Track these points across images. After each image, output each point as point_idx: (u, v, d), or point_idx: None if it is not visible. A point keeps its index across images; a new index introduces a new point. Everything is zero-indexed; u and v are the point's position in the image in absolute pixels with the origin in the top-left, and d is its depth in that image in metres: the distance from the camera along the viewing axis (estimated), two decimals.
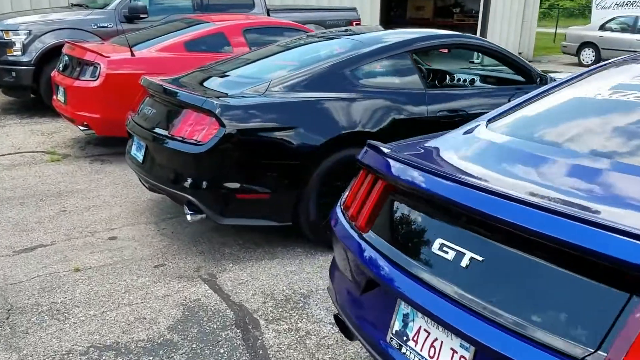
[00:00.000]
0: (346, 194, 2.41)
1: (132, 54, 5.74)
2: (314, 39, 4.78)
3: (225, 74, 4.26)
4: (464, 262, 1.68)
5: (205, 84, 4.09)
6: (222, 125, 3.45)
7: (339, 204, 2.45)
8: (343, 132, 3.72)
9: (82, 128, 5.88)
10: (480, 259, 1.65)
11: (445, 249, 1.76)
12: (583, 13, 19.07)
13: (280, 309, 3.19)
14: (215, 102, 3.48)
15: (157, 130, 3.83)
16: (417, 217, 1.97)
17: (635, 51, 14.53)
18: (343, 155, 3.73)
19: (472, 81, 5.30)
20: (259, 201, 3.64)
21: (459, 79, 5.43)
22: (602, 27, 16.20)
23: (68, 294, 3.31)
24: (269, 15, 8.79)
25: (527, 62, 4.62)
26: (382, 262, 1.96)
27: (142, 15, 7.86)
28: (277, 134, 3.58)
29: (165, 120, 3.87)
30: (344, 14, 10.01)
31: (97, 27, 7.75)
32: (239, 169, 3.55)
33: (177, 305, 3.22)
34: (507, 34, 16.62)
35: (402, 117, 3.96)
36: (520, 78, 4.75)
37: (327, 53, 4.20)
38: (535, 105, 2.51)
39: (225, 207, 3.60)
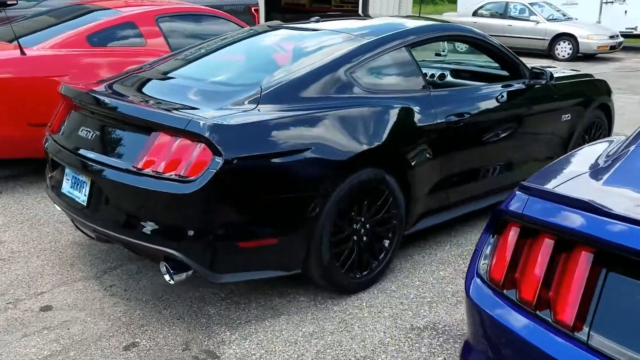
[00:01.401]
0: (501, 273, 1.65)
1: (23, 52, 4.45)
2: (284, 30, 3.91)
3: (184, 78, 3.28)
4: None
5: (161, 93, 3.10)
6: (218, 153, 2.54)
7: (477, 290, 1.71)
8: (360, 150, 2.97)
9: None
10: None
11: None
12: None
13: None
14: (205, 122, 2.56)
15: (109, 161, 2.80)
16: None
17: (509, 36, 15.12)
18: (357, 180, 2.98)
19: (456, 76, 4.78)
20: (266, 248, 2.78)
21: (442, 76, 4.87)
22: (474, 14, 16.68)
23: None
24: None
25: (516, 55, 4.17)
26: None
27: (9, 2, 6.34)
28: (287, 160, 2.74)
29: (120, 146, 2.85)
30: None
31: None
32: (241, 209, 2.67)
33: None
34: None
35: (414, 125, 3.29)
36: (505, 73, 4.29)
37: (314, 50, 3.38)
38: None
39: (222, 261, 2.70)
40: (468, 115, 3.57)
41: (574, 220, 1.46)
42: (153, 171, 2.62)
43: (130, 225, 2.72)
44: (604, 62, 14.29)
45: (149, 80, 3.39)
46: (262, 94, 2.88)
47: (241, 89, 2.97)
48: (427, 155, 3.35)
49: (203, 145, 2.57)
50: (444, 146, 3.45)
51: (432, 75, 4.84)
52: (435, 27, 3.81)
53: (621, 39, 15.22)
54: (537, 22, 15.18)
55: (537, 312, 1.51)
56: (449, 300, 3.13)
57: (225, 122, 2.61)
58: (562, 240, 1.51)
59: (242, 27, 5.92)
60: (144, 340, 2.76)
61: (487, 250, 1.72)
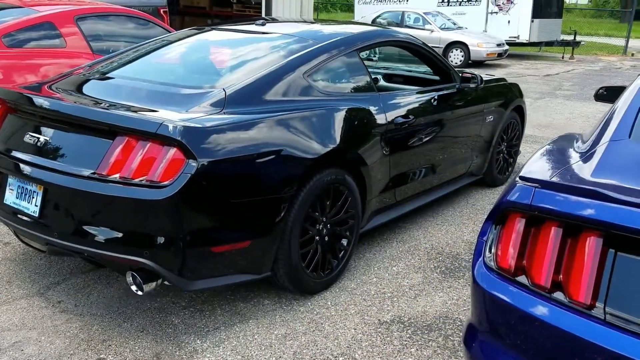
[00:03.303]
0: (511, 260, 1.75)
1: None
2: (232, 33, 3.84)
3: (135, 80, 3.14)
4: None
5: (114, 95, 2.95)
6: (192, 157, 2.48)
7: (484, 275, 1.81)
8: (325, 151, 3.00)
9: None
10: None
11: None
12: (350, 7, 20.19)
13: None
14: (177, 125, 2.48)
15: (66, 168, 2.63)
16: None
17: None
18: (321, 181, 3.01)
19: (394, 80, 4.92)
20: (238, 252, 2.73)
21: (375, 80, 4.99)
22: (373, 22, 17.25)
23: None
24: None
25: (447, 61, 4.39)
26: None
27: None
28: (258, 162, 2.72)
29: (77, 152, 2.69)
30: (151, 0, 8.80)
31: None
32: (214, 213, 2.60)
33: None
34: None
35: (369, 126, 3.38)
36: (436, 77, 4.50)
37: (269, 53, 3.36)
38: None
39: (195, 267, 2.62)
40: (412, 116, 3.71)
41: (584, 207, 1.59)
42: (120, 177, 2.50)
43: (92, 235, 2.57)
44: (493, 68, 15.30)
45: (96, 82, 3.22)
46: (227, 96, 2.84)
47: (202, 92, 2.90)
48: (380, 155, 3.45)
49: (175, 149, 2.49)
50: (393, 146, 3.57)
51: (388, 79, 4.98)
52: (381, 33, 3.93)
53: (507, 47, 16.38)
54: (432, 31, 15.97)
55: (552, 295, 1.62)
56: (407, 294, 3.24)
57: (198, 125, 2.54)
58: (569, 226, 1.63)
59: (164, 28, 5.76)
60: (110, 356, 2.61)
61: (491, 240, 1.82)
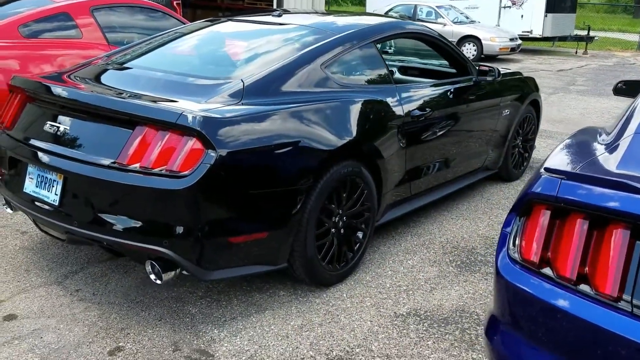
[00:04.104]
0: (534, 253, 1.74)
1: None
2: (249, 24, 3.84)
3: (154, 70, 3.15)
4: None
5: (133, 85, 2.96)
6: (211, 147, 2.48)
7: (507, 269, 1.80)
8: (342, 143, 3.00)
9: None
10: None
11: None
12: (362, 0, 20.17)
13: None
14: (197, 115, 2.48)
15: (86, 157, 2.64)
16: None
17: None
18: (338, 173, 3.01)
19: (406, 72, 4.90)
20: (255, 243, 2.74)
21: (390, 72, 4.98)
22: (385, 15, 17.18)
23: None
24: None
25: (464, 54, 4.36)
26: None
27: None
28: (276, 153, 2.72)
29: (98, 141, 2.70)
30: None
31: None
32: (232, 203, 2.61)
33: None
34: None
35: (386, 118, 3.37)
36: (451, 70, 4.48)
37: (286, 44, 3.36)
38: None
39: (213, 258, 2.63)
40: (429, 109, 3.70)
41: (611, 199, 1.58)
42: (140, 167, 2.51)
43: (112, 224, 2.58)
44: (506, 63, 15.21)
45: (115, 72, 3.24)
46: (245, 87, 2.84)
47: (220, 82, 2.90)
48: (396, 148, 3.44)
49: (194, 139, 2.49)
50: (409, 139, 3.56)
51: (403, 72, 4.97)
52: (398, 24, 3.91)
53: (520, 41, 16.28)
54: (444, 25, 15.89)
55: (578, 287, 1.62)
56: (423, 287, 3.23)
57: (217, 116, 2.54)
58: (596, 218, 1.62)
59: (179, 20, 5.77)
60: (128, 344, 2.63)
61: (515, 232, 1.81)
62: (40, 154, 2.79)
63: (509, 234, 1.83)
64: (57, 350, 2.57)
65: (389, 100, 3.43)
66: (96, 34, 5.02)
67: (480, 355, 2.63)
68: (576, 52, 18.55)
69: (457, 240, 3.88)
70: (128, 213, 2.57)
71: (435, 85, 3.99)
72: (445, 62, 4.59)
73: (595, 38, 18.74)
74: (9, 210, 3.25)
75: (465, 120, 4.15)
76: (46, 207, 2.77)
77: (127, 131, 2.60)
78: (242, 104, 2.75)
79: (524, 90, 5.02)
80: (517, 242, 1.80)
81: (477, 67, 4.36)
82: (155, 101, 2.66)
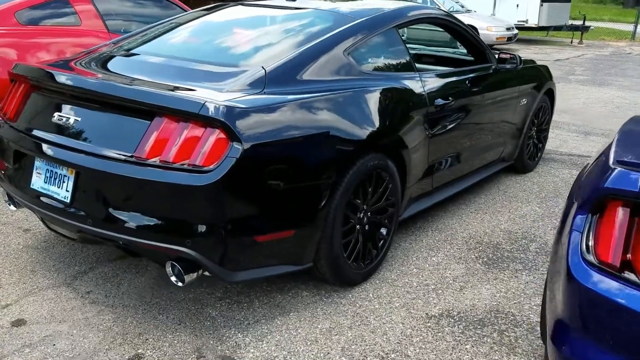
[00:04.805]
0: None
1: None
2: (262, 8, 3.63)
3: (166, 57, 2.96)
4: None
5: (146, 73, 2.76)
6: (237, 139, 2.30)
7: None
8: (368, 134, 2.83)
9: None
10: None
11: None
12: None
13: None
14: (221, 105, 2.30)
15: (101, 150, 2.45)
16: None
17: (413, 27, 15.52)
18: (365, 165, 2.84)
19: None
20: (281, 241, 2.57)
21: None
22: None
23: None
24: None
25: (483, 41, 4.20)
26: None
27: None
28: (303, 145, 2.55)
29: (112, 133, 2.50)
30: None
31: None
32: (259, 199, 2.43)
33: None
34: None
35: (410, 107, 3.21)
36: (468, 57, 4.32)
37: (305, 29, 3.17)
38: None
39: (238, 258, 2.45)
40: (452, 98, 3.54)
41: None
42: (161, 161, 2.33)
43: (130, 223, 2.39)
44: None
45: (126, 59, 3.04)
46: (267, 74, 2.65)
47: (239, 70, 2.72)
48: (420, 139, 3.28)
49: (218, 130, 2.31)
50: (432, 129, 3.40)
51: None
52: (419, 9, 3.73)
53: (516, 30, 16.13)
54: None
55: None
56: (452, 285, 3.08)
57: (243, 106, 2.36)
58: None
59: (181, 8, 5.55)
60: (148, 351, 2.46)
61: (587, 230, 1.66)
62: (48, 147, 2.60)
63: (580, 233, 1.68)
64: (71, 358, 2.40)
65: (414, 88, 3.27)
66: (96, 21, 4.80)
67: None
68: (571, 42, 18.47)
69: (480, 236, 3.73)
70: (147, 211, 2.38)
71: (457, 73, 3.82)
72: (458, 49, 4.43)
73: (591, 28, 18.66)
74: (12, 207, 3.06)
75: (485, 110, 4.00)
76: (56, 204, 2.58)
77: (144, 122, 2.41)
78: (265, 93, 2.56)
79: (541, 79, 4.87)
80: (590, 242, 1.64)
81: (497, 55, 4.20)
82: (173, 90, 2.47)
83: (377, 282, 3.09)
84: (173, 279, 2.46)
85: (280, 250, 2.59)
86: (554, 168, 5.33)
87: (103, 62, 2.98)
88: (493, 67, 4.16)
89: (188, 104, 2.32)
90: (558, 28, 18.30)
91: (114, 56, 3.07)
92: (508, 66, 4.20)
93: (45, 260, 3.18)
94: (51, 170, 2.62)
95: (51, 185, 2.61)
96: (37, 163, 2.68)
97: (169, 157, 2.32)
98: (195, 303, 2.83)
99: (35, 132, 2.70)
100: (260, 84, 2.61)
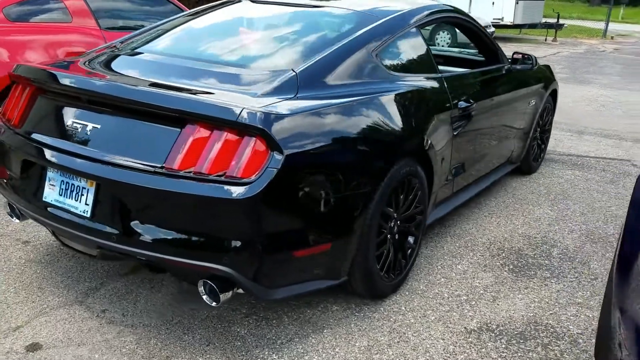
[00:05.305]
0: None
1: None
2: (279, 7, 3.44)
3: (185, 59, 2.76)
4: None
5: (167, 76, 2.57)
6: (276, 148, 2.13)
7: None
8: (401, 139, 2.71)
9: None
10: None
11: None
12: None
13: None
14: (260, 111, 2.13)
15: (126, 161, 2.25)
16: None
17: None
18: (398, 172, 2.71)
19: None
20: (319, 255, 2.42)
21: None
22: None
23: None
24: None
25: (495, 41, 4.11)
26: None
27: None
28: (343, 153, 2.41)
29: (139, 142, 2.30)
30: None
31: None
32: (299, 212, 2.27)
33: None
34: None
35: (437, 110, 3.09)
36: (481, 57, 4.22)
37: (330, 28, 3.02)
38: None
39: (276, 274, 2.29)
40: (472, 100, 3.43)
41: None
42: (195, 173, 2.15)
43: (161, 239, 2.21)
44: None
45: (141, 60, 2.83)
46: (299, 78, 2.49)
47: (266, 73, 2.55)
48: (445, 143, 3.16)
49: (255, 139, 2.14)
50: (455, 132, 3.28)
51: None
52: (440, 8, 3.60)
53: (493, 28, 16.21)
54: None
55: None
56: (484, 296, 2.97)
57: (283, 112, 2.20)
58: None
59: (175, 5, 5.32)
60: None
61: None
62: (63, 157, 2.38)
63: None
64: None
65: (440, 90, 3.15)
66: (87, 17, 4.54)
67: None
68: (545, 40, 18.68)
69: (499, 241, 3.64)
70: (180, 226, 2.20)
71: (476, 74, 3.72)
72: (463, 48, 4.33)
73: (565, 26, 18.91)
74: (15, 219, 2.83)
75: (501, 111, 3.91)
76: (74, 218, 2.37)
77: (173, 130, 2.22)
78: (298, 98, 2.40)
79: (547, 79, 4.82)
80: None
81: (513, 55, 4.12)
82: (203, 95, 2.29)
83: (407, 293, 2.97)
84: (206, 298, 2.28)
85: (317, 264, 2.44)
86: (555, 169, 5.28)
87: (117, 64, 2.78)
88: (506, 67, 4.07)
89: (225, 111, 2.14)
90: (533, 26, 18.50)
91: (127, 57, 2.87)
92: (519, 67, 4.12)
93: (51, 276, 2.96)
94: (67, 182, 2.41)
95: (67, 198, 2.40)
96: (50, 174, 2.47)
97: (204, 168, 2.14)
98: (221, 321, 2.66)
99: (47, 140, 2.48)
100: (292, 87, 2.45)
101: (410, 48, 3.18)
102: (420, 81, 3.05)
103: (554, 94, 5.10)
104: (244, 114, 2.11)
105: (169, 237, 2.21)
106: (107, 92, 2.35)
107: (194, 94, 2.29)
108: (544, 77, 4.78)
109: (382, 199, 2.62)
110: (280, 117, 2.18)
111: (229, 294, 2.27)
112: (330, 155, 2.35)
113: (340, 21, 3.08)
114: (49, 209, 2.46)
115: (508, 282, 3.12)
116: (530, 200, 4.42)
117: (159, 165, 2.19)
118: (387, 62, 2.94)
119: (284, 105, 2.26)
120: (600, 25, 21.84)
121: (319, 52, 2.70)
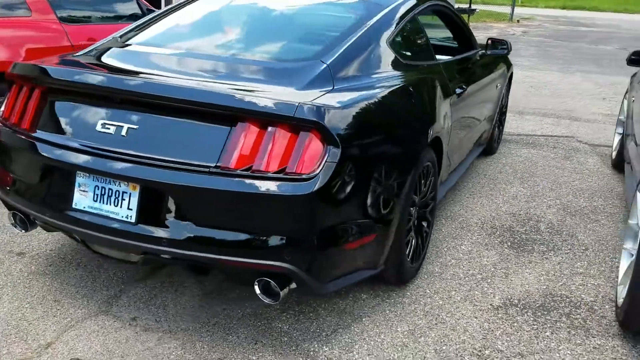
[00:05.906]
0: None
1: None
2: None
3: (207, 53, 2.68)
4: None
5: (193, 71, 2.49)
6: (332, 142, 2.13)
7: None
8: (429, 125, 2.78)
9: None
10: None
11: None
12: None
13: None
14: (315, 105, 2.12)
15: (169, 161, 2.16)
16: None
17: None
18: (424, 159, 2.78)
19: None
20: (365, 247, 2.44)
21: None
22: None
23: None
24: None
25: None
26: None
27: None
28: (386, 143, 2.47)
29: (181, 142, 2.21)
30: None
31: None
32: (352, 205, 2.29)
33: None
34: None
35: (445, 96, 3.18)
36: (455, 44, 4.37)
37: (344, 17, 3.03)
38: None
39: (329, 268, 2.30)
40: (465, 85, 3.57)
41: None
42: (253, 171, 2.11)
43: (219, 240, 2.15)
44: None
45: (162, 56, 2.70)
46: (331, 69, 2.49)
47: (298, 65, 2.53)
48: (448, 129, 3.27)
49: (310, 133, 2.13)
50: (454, 116, 3.40)
51: None
52: None
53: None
54: None
55: None
56: (496, 273, 3.12)
57: (335, 105, 2.20)
58: None
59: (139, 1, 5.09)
60: None
61: None
62: (97, 160, 2.25)
63: None
64: None
65: (444, 78, 3.24)
66: (47, 11, 4.26)
67: (603, 341, 2.57)
68: None
69: (489, 220, 3.81)
70: (237, 226, 2.15)
71: (462, 60, 3.86)
72: (442, 36, 4.49)
73: (477, 10, 19.73)
74: (21, 230, 2.66)
75: (480, 95, 4.08)
76: (114, 224, 2.25)
77: (223, 128, 2.16)
78: (336, 90, 2.41)
79: (507, 63, 5.06)
80: None
81: (488, 40, 4.30)
82: (250, 92, 2.24)
83: (425, 276, 3.06)
84: (263, 297, 2.25)
85: (364, 255, 2.47)
86: (512, 149, 5.57)
87: (138, 60, 2.65)
88: (480, 52, 4.24)
89: (281, 107, 2.11)
90: None
91: (146, 53, 2.73)
92: (495, 51, 4.30)
93: (63, 287, 2.79)
94: (102, 187, 2.28)
95: (104, 204, 2.28)
96: (81, 179, 2.33)
97: (262, 165, 2.11)
98: (259, 318, 2.63)
99: (73, 144, 2.33)
100: (327, 79, 2.45)
101: (416, 35, 3.25)
102: (426, 69, 3.14)
103: (510, 78, 5.36)
104: (301, 109, 2.09)
105: (226, 238, 2.15)
106: (146, 91, 2.24)
107: (240, 90, 2.24)
108: (505, 61, 5.02)
109: (412, 186, 2.68)
110: (333, 110, 2.17)
111: (287, 290, 2.26)
112: (376, 145, 2.38)
113: (351, 9, 3.10)
114: (80, 216, 2.32)
115: (512, 258, 3.29)
116: (501, 179, 4.65)
117: (213, 165, 2.12)
118: (399, 50, 2.99)
119: (332, 98, 2.26)
120: (504, 9, 23.00)
121: (342, 42, 2.70)
